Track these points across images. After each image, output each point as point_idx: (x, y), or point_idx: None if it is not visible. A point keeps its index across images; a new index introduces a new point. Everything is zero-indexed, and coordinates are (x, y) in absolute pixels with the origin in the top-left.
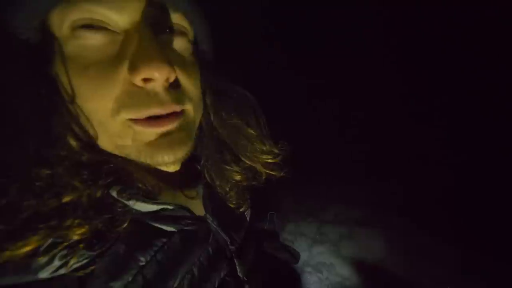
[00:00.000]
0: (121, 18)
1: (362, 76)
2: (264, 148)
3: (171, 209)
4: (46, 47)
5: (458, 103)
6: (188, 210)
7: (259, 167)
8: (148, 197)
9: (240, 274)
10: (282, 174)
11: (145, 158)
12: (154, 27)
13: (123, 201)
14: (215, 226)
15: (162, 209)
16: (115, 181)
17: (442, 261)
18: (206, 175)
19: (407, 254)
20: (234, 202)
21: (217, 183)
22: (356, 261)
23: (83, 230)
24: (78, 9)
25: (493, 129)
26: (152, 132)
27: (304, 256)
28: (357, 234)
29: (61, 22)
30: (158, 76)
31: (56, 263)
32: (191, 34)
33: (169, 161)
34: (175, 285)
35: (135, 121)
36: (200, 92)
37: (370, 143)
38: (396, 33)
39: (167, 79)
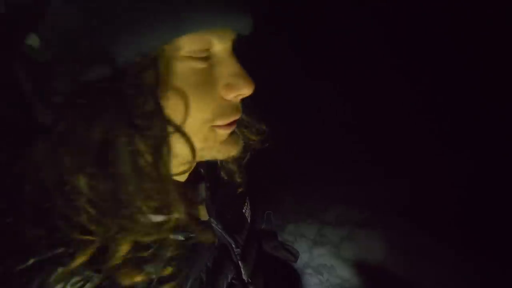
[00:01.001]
0: (221, 47)
1: (365, 78)
2: (253, 129)
3: (177, 218)
4: (161, 66)
5: (462, 105)
6: (196, 216)
7: (248, 143)
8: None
9: (244, 277)
10: (264, 146)
11: (223, 155)
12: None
13: (152, 216)
14: (219, 230)
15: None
16: None
17: (444, 263)
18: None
19: (409, 256)
20: (240, 177)
21: (229, 165)
22: (357, 263)
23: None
24: (201, 41)
25: (497, 130)
26: (226, 133)
27: (304, 257)
28: (358, 236)
29: (182, 48)
30: (249, 94)
31: None
32: None
33: (236, 154)
34: None
35: (219, 126)
36: None
37: (372, 145)
38: (400, 33)
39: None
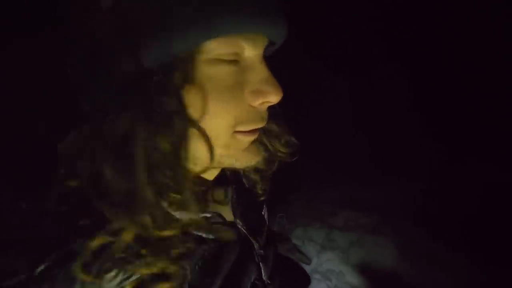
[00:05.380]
0: (251, 51)
1: (376, 80)
2: (282, 141)
3: (208, 217)
4: (188, 67)
5: (478, 111)
6: (221, 216)
7: (276, 155)
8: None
9: (265, 278)
10: (293, 159)
11: (241, 163)
12: (266, 59)
13: (172, 212)
14: (244, 231)
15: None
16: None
17: (454, 270)
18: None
19: (419, 263)
20: (262, 188)
21: (249, 175)
22: (366, 269)
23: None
24: (231, 44)
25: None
26: (248, 140)
27: (312, 262)
28: (367, 241)
29: (211, 51)
30: (276, 101)
31: (118, 278)
32: None
33: (256, 163)
34: None
35: (241, 133)
36: None
37: (382, 149)
38: (409, 34)
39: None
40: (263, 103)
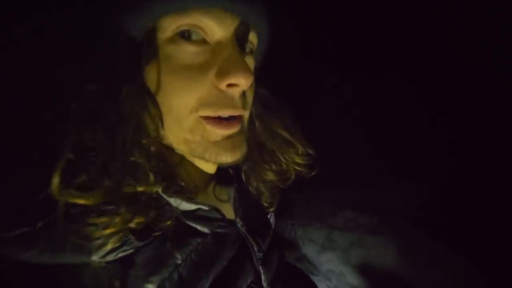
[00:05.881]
0: (218, 31)
1: (376, 80)
2: (299, 151)
3: (205, 210)
4: (148, 46)
5: (481, 112)
6: (220, 212)
7: (292, 167)
8: (188, 196)
9: (264, 284)
10: (312, 172)
11: (210, 156)
12: (240, 42)
13: (166, 197)
14: (244, 231)
15: (197, 209)
16: (164, 177)
17: (454, 270)
18: (243, 176)
19: (419, 264)
20: (268, 201)
21: (254, 184)
22: (366, 269)
23: (141, 220)
24: (189, 16)
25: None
26: (219, 133)
27: (312, 263)
28: (367, 242)
29: (169, 26)
30: (243, 83)
31: (108, 247)
32: (257, 51)
33: (230, 161)
34: (207, 286)
35: (207, 119)
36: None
37: (383, 149)
38: (410, 34)
39: (245, 87)
40: (229, 85)
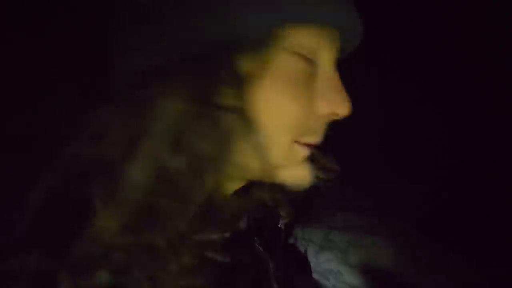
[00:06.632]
0: (327, 56)
1: (376, 81)
2: (326, 166)
3: (227, 237)
4: (258, 52)
5: (481, 112)
6: (238, 233)
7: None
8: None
9: None
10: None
11: (295, 179)
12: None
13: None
14: (261, 250)
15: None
16: None
17: (452, 271)
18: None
19: (417, 264)
20: (286, 211)
21: (275, 194)
22: (364, 269)
23: None
24: (313, 37)
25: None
26: (305, 154)
27: (310, 262)
28: (366, 242)
29: (291, 39)
30: (343, 116)
31: None
32: None
33: (307, 185)
34: None
35: (298, 143)
36: None
37: (382, 149)
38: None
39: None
40: (331, 113)
